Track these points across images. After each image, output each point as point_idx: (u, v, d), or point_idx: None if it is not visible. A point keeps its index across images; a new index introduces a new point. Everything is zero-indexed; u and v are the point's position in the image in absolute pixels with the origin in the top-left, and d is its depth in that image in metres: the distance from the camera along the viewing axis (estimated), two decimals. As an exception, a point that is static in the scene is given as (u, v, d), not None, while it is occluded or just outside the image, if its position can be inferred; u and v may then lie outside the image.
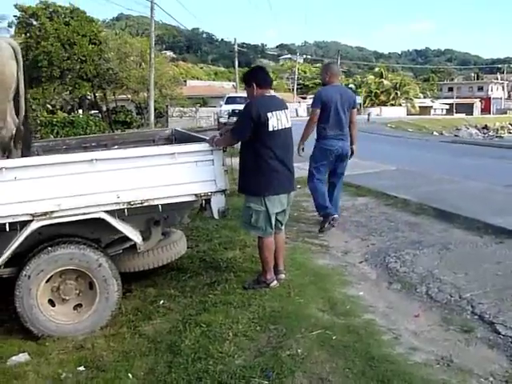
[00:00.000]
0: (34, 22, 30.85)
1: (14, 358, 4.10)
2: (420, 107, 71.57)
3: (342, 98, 6.91)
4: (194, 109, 40.95)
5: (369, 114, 49.81)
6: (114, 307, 4.62)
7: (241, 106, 22.41)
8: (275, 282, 5.04)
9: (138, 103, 37.50)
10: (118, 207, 4.51)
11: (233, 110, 28.30)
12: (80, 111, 34.51)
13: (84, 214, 4.43)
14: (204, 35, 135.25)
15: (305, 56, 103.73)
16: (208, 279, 5.30)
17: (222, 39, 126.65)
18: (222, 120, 29.11)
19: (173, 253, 5.40)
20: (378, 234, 6.76)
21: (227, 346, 3.91)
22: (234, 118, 28.26)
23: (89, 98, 36.09)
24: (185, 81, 57.72)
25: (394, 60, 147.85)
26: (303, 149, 7.07)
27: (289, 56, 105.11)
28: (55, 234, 4.58)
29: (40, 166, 4.34)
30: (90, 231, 4.79)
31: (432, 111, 75.78)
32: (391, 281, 5.18)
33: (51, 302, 4.57)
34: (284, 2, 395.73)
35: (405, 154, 16.75)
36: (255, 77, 5.01)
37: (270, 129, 4.76)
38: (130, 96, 36.89)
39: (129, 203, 4.51)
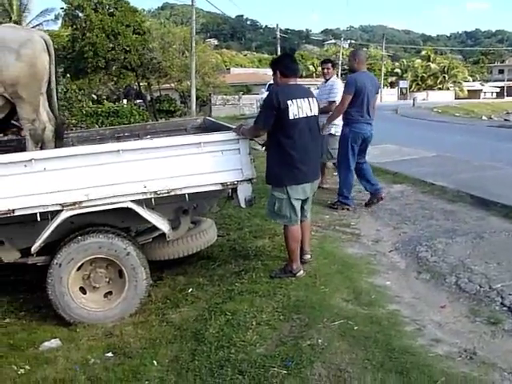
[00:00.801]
0: (80, 14, 31.54)
1: (46, 343, 4.26)
2: (469, 91, 69.53)
3: (372, 84, 7.25)
4: (236, 96, 40.99)
5: (414, 99, 48.67)
6: (142, 295, 4.71)
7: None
8: (302, 271, 5.03)
9: (182, 92, 37.84)
10: (145, 197, 4.57)
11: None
12: (125, 101, 35.05)
13: (112, 203, 4.51)
14: (248, 22, 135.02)
15: (350, 41, 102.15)
16: (236, 268, 5.34)
17: (266, 26, 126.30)
18: (264, 107, 28.92)
19: (202, 241, 5.44)
20: (411, 222, 6.62)
21: (250, 334, 3.94)
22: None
23: (134, 87, 36.69)
24: (228, 68, 57.81)
25: (443, 43, 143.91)
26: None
27: (333, 41, 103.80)
28: (87, 223, 4.69)
29: (68, 157, 4.44)
30: (120, 220, 4.88)
31: (481, 95, 73.39)
32: (420, 270, 5.07)
33: (82, 290, 4.70)
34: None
35: (448, 139, 16.29)
36: (280, 64, 4.99)
37: (291, 117, 4.72)
38: (173, 85, 37.24)
39: (155, 193, 4.57)
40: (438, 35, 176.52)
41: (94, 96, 31.95)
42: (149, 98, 35.81)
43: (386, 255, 5.57)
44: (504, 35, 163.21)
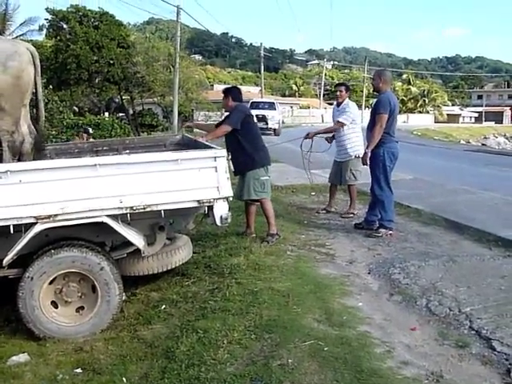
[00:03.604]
0: (65, 26, 31.44)
1: (14, 358, 4.20)
2: (448, 115, 70.58)
3: (397, 104, 7.26)
4: (219, 113, 41.10)
5: (394, 122, 49.19)
6: (115, 310, 4.70)
7: (264, 112, 23.15)
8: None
9: (165, 106, 37.80)
10: (120, 212, 4.56)
11: (256, 115, 28.35)
12: (106, 114, 34.92)
13: (87, 217, 4.49)
14: (233, 40, 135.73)
15: (333, 62, 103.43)
16: (210, 285, 5.33)
17: (251, 44, 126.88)
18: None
19: (178, 258, 5.44)
20: (385, 244, 6.68)
21: (221, 353, 3.92)
22: (257, 123, 28.46)
23: (116, 100, 36.56)
24: (212, 85, 57.98)
25: (424, 67, 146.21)
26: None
27: (317, 62, 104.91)
28: (62, 237, 4.67)
29: (44, 169, 4.42)
30: (95, 235, 4.87)
31: (460, 119, 74.69)
32: (392, 292, 5.10)
33: (54, 304, 4.65)
34: (314, 8, 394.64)
35: (425, 162, 16.52)
36: (232, 93, 6.91)
37: (256, 121, 7.19)
38: (156, 99, 37.20)
39: (131, 208, 4.56)
40: (419, 59, 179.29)
41: (75, 108, 31.74)
42: (131, 111, 35.72)
43: (360, 276, 5.59)
44: (483, 61, 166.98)
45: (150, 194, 4.62)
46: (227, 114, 6.93)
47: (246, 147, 6.57)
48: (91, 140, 11.82)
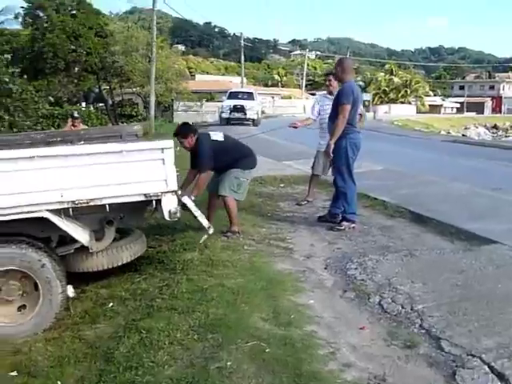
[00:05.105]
0: (41, 14, 30.92)
1: None
2: (430, 105, 70.76)
3: (360, 93, 7.09)
4: (199, 103, 40.80)
5: (374, 112, 49.35)
6: (57, 309, 4.51)
7: (243, 102, 22.84)
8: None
9: (144, 97, 37.39)
10: (62, 206, 4.37)
11: (234, 106, 28.31)
12: (83, 104, 34.47)
13: (26, 212, 4.29)
14: (216, 30, 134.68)
15: (316, 52, 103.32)
16: (161, 282, 5.13)
17: (234, 34, 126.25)
18: (224, 115, 29.16)
19: (129, 253, 5.24)
20: (347, 237, 6.52)
21: (161, 355, 3.75)
22: (236, 114, 28.37)
23: (95, 91, 36.10)
24: (193, 75, 57.52)
25: (407, 57, 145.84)
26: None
27: (300, 52, 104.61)
28: (3, 232, 4.44)
29: (-22, 162, 4.20)
30: (39, 230, 4.66)
31: (442, 110, 75.02)
32: (346, 289, 4.93)
33: (-7, 303, 4.45)
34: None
35: (400, 153, 16.40)
36: (192, 132, 6.42)
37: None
38: (135, 90, 36.81)
39: (73, 202, 4.37)
40: (402, 50, 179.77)
41: (50, 98, 31.22)
42: (110, 101, 35.29)
43: (316, 272, 5.40)
44: (466, 52, 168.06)
45: (93, 188, 4.45)
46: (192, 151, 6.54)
47: (227, 162, 6.47)
48: (82, 126, 11.42)
